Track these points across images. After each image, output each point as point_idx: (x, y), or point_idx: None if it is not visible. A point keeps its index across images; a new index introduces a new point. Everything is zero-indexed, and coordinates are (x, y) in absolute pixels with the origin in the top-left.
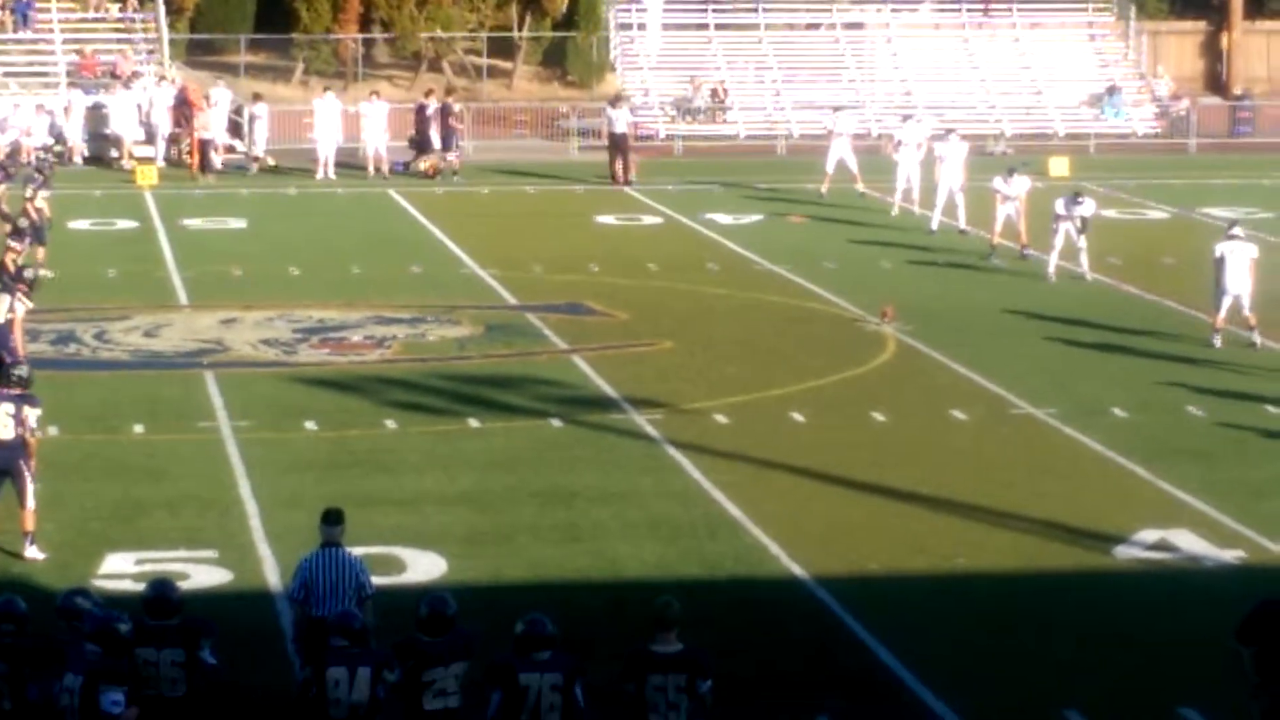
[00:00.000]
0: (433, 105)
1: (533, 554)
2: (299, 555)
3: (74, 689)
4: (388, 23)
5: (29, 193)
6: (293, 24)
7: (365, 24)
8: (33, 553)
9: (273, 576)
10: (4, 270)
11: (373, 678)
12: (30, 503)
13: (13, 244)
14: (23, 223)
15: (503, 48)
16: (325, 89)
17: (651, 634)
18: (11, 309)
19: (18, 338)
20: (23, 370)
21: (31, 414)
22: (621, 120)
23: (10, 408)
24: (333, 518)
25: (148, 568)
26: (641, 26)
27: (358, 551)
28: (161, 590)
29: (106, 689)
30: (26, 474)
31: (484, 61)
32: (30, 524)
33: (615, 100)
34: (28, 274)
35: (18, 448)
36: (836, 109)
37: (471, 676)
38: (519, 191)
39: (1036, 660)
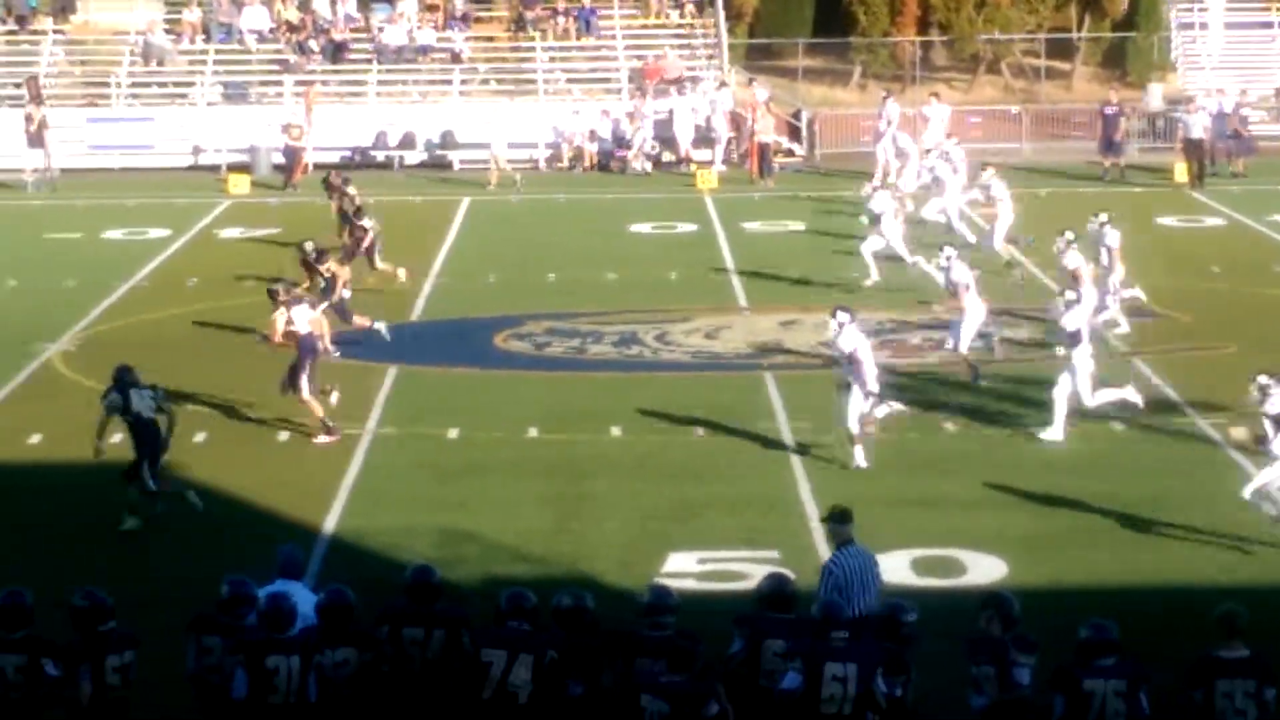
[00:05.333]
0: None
1: (1090, 558)
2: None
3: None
4: (945, 25)
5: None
6: (850, 27)
7: (923, 26)
8: None
9: None
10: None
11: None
12: None
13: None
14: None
15: (1061, 49)
16: (886, 93)
17: (1217, 640)
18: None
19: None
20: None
21: None
22: (1198, 125)
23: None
24: (844, 516)
25: (709, 567)
26: (1203, 26)
27: (916, 554)
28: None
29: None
30: None
31: (1042, 63)
32: None
33: (1188, 103)
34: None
35: None
36: None
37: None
38: (1074, 194)
39: None
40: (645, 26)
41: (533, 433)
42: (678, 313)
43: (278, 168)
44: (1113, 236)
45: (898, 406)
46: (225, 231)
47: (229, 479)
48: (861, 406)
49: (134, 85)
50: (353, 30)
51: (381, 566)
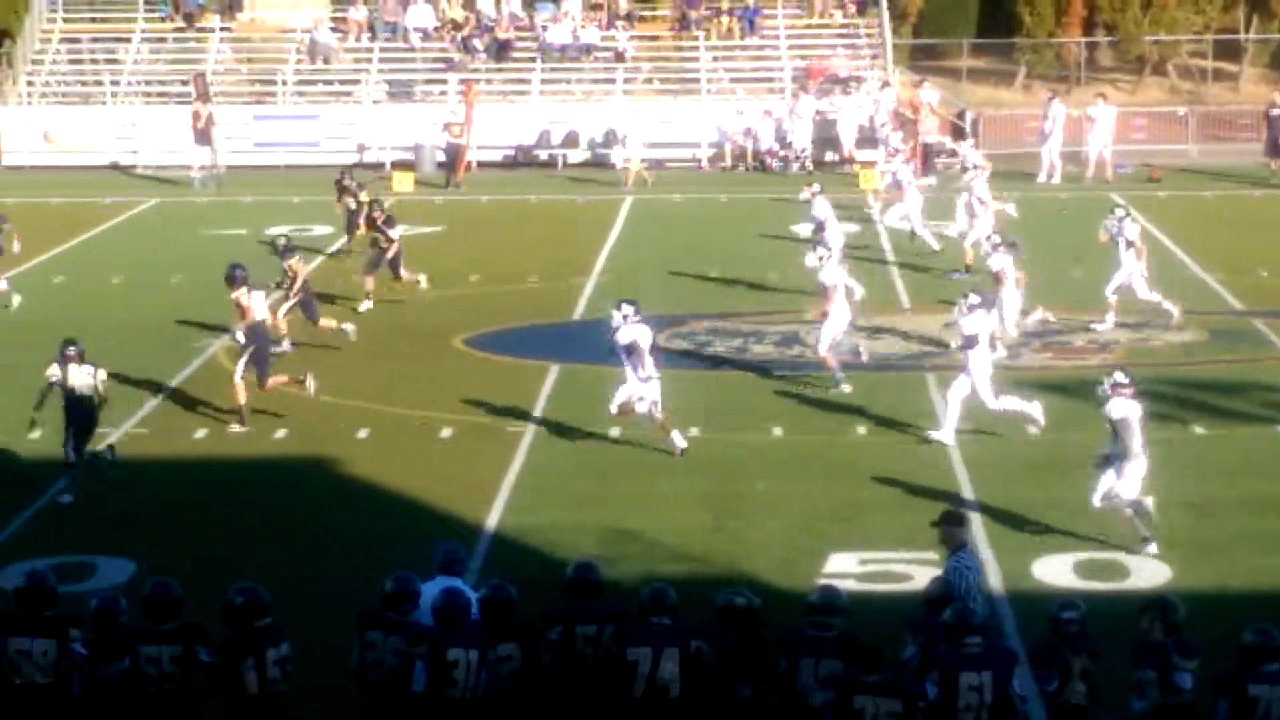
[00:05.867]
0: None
1: (1257, 563)
2: (1021, 560)
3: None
4: (1111, 26)
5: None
6: (1015, 28)
7: (1089, 27)
8: None
9: (995, 580)
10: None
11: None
12: None
13: None
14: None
15: (1229, 50)
16: (1050, 94)
17: None
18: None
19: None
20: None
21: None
22: None
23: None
24: (962, 519)
25: (870, 568)
26: None
27: (1079, 557)
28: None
29: None
30: None
31: (1209, 64)
32: None
33: None
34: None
35: None
36: None
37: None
38: (1243, 195)
39: None
40: (809, 26)
41: (694, 431)
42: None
43: (441, 165)
44: (1131, 229)
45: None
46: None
47: (392, 475)
48: (637, 389)
49: (300, 83)
50: (517, 29)
51: (543, 563)
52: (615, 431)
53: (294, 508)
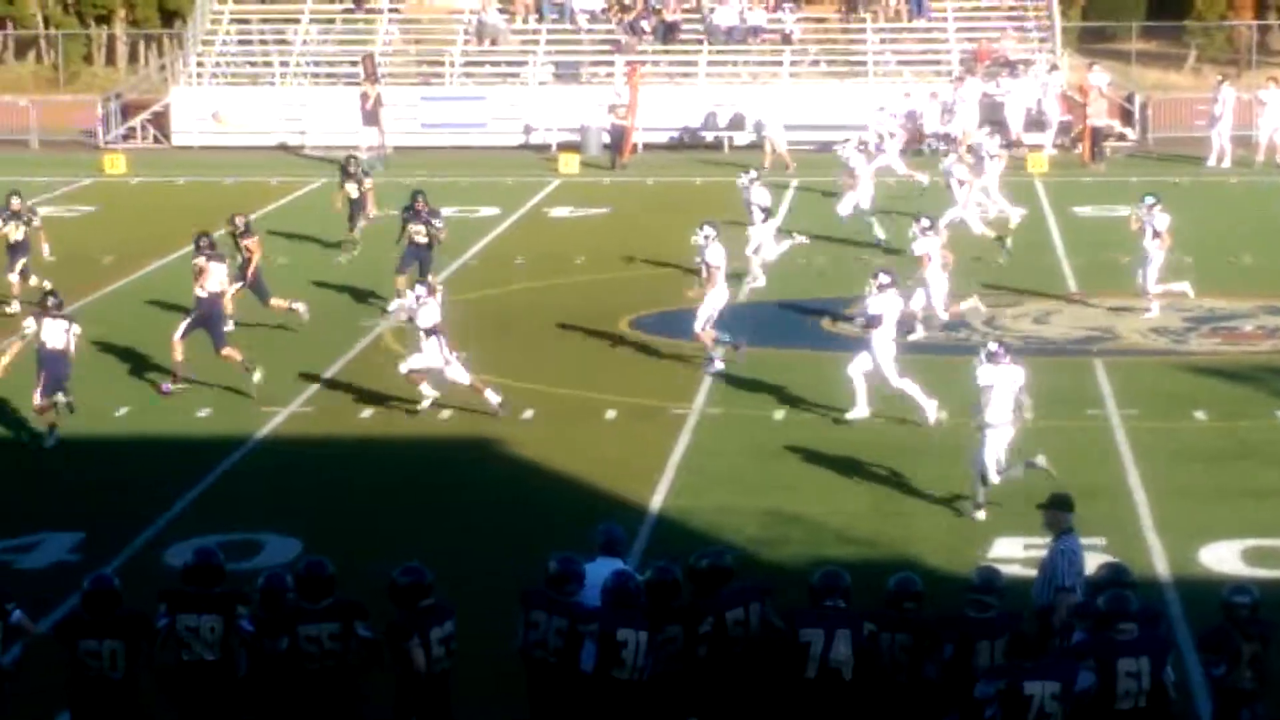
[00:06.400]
0: None
1: None
2: (1188, 545)
3: None
4: None
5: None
6: (1186, 11)
7: (1261, 10)
8: None
9: (1160, 565)
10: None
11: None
12: None
13: None
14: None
15: None
16: (1221, 78)
17: None
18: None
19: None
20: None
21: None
22: None
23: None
24: (1069, 504)
25: (1034, 553)
26: None
27: (1247, 544)
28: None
29: None
30: None
31: None
32: None
33: None
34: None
35: None
36: None
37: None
38: None
39: None
40: (977, 9)
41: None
42: (1008, 298)
43: (606, 147)
44: (1161, 220)
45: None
46: (555, 211)
47: (556, 456)
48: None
49: (467, 64)
50: (684, 11)
51: (706, 546)
52: (780, 415)
53: (458, 487)
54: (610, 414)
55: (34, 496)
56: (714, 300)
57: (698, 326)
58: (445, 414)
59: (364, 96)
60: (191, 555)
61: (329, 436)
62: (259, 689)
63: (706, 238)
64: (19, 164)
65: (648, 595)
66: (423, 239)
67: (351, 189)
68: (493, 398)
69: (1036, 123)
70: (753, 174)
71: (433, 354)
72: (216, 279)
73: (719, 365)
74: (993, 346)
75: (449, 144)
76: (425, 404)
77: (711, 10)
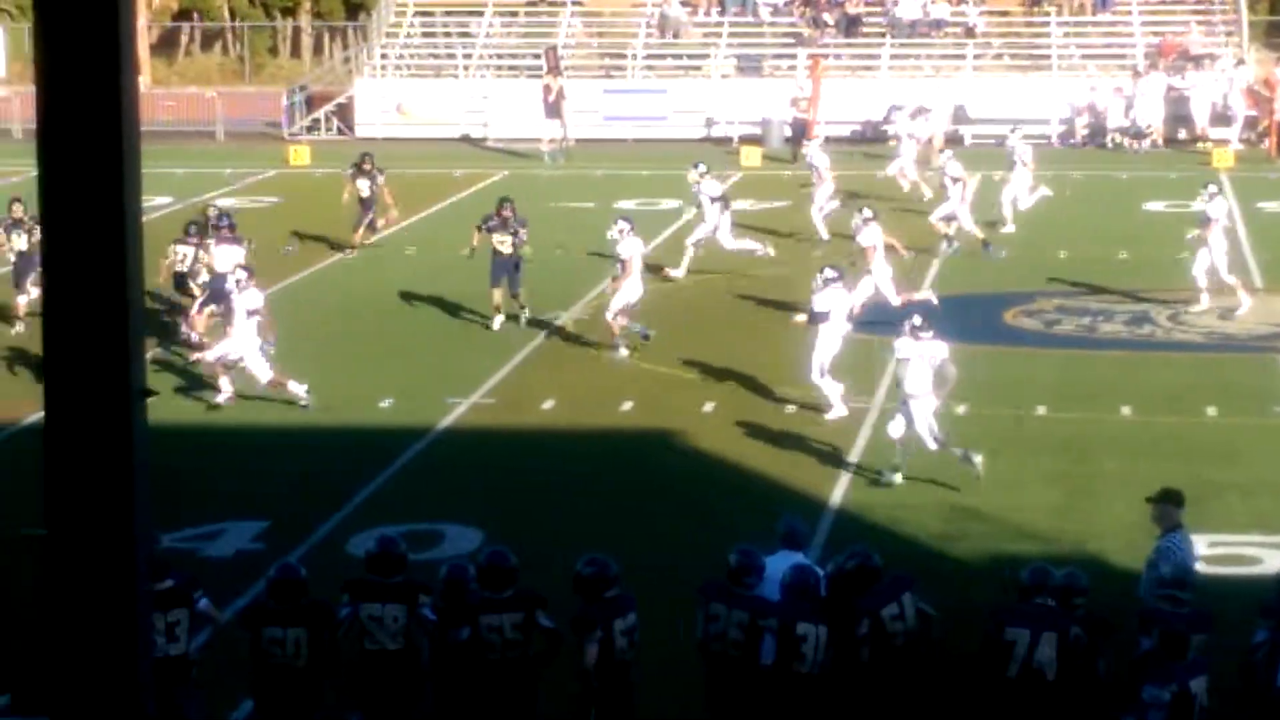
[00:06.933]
0: None
1: None
2: None
3: None
4: None
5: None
6: None
7: None
8: None
9: None
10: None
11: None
12: None
13: None
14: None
15: None
16: None
17: None
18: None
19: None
20: None
21: None
22: None
23: None
24: (1180, 499)
25: (1220, 550)
26: None
27: None
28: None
29: None
30: None
31: None
32: None
33: None
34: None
35: None
36: None
37: None
38: None
39: None
40: (1163, 2)
41: (1041, 410)
42: (1188, 293)
43: (788, 140)
44: (1216, 209)
45: None
46: (736, 204)
47: (736, 448)
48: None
49: (649, 57)
50: (867, 4)
51: (887, 540)
52: (962, 409)
53: (638, 479)
54: (790, 409)
55: (218, 485)
56: (628, 291)
57: (609, 315)
58: (626, 405)
59: (546, 89)
60: (374, 544)
61: (510, 427)
62: (441, 679)
63: (620, 231)
64: (205, 155)
65: (827, 590)
66: (507, 250)
67: (363, 186)
68: (296, 388)
69: (1222, 117)
70: (702, 167)
71: (242, 341)
72: (225, 261)
73: (624, 352)
74: (916, 320)
75: (631, 136)
76: (223, 397)
77: (895, 3)
